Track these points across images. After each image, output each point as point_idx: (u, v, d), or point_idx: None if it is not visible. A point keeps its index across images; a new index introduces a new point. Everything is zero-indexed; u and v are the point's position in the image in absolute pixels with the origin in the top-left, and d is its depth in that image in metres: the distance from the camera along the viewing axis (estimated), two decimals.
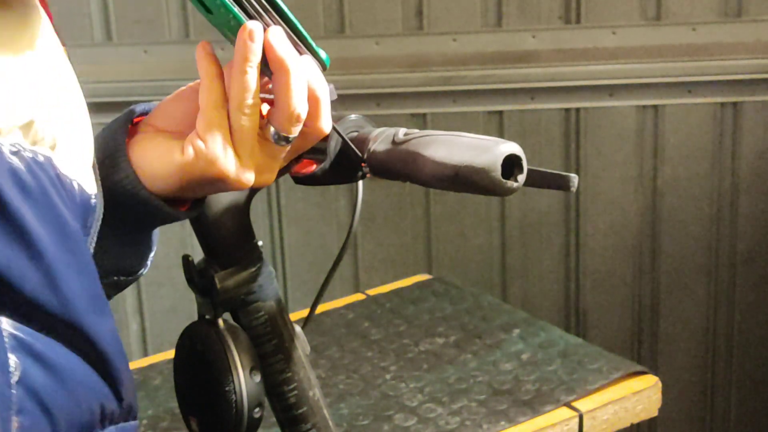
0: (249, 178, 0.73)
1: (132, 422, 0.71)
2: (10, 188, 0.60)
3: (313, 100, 0.73)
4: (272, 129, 0.72)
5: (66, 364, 0.63)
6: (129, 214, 0.75)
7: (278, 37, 0.70)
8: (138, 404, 0.72)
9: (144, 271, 0.83)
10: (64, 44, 0.71)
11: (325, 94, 0.73)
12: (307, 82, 0.72)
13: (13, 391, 0.59)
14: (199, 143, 0.71)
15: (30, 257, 0.60)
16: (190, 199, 0.78)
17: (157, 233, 0.83)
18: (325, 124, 0.75)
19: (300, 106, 0.71)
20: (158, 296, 2.36)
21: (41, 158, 0.63)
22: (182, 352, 0.88)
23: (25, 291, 0.60)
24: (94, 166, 0.72)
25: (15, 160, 0.61)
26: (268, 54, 0.70)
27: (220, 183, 0.73)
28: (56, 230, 0.62)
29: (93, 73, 2.23)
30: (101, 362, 0.65)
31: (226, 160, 0.71)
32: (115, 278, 0.79)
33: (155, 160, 0.73)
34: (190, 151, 0.71)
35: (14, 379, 0.59)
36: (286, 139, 0.72)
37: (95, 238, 0.72)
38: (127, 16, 2.24)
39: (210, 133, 0.71)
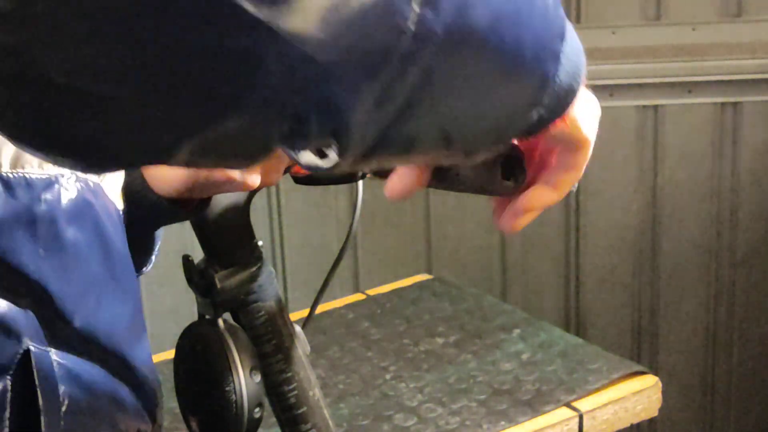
0: (255, 179, 0.73)
1: None
2: (67, 221, 0.60)
3: None
4: None
5: (110, 392, 0.63)
6: (136, 215, 0.75)
7: None
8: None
9: (147, 269, 0.83)
10: None
11: None
12: None
13: (62, 422, 0.59)
14: None
15: (83, 288, 0.61)
16: (196, 199, 0.79)
17: (161, 231, 0.83)
18: None
19: None
20: (158, 296, 2.36)
21: (92, 185, 0.64)
22: (182, 352, 0.88)
23: (75, 323, 0.61)
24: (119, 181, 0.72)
25: (72, 192, 0.61)
26: None
27: (226, 185, 0.73)
28: (106, 259, 0.63)
29: None
30: (140, 387, 0.66)
31: None
32: None
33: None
34: None
35: (63, 408, 0.60)
36: None
37: None
38: None
39: None
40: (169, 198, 0.75)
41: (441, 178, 0.74)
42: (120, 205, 0.70)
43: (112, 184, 0.68)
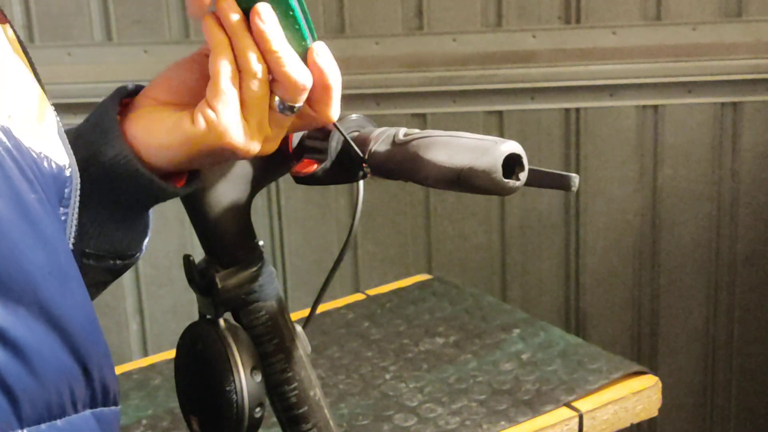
0: (255, 147, 0.73)
1: (113, 408, 0.70)
2: None
3: (323, 88, 0.73)
4: (277, 99, 0.72)
5: (30, 342, 0.61)
6: (123, 191, 0.74)
7: (263, 11, 0.70)
8: (119, 389, 0.71)
9: (139, 255, 0.82)
10: (6, 21, 0.70)
11: (337, 81, 0.73)
12: (321, 67, 0.72)
13: None
14: (211, 113, 0.71)
15: None
16: (185, 173, 0.78)
17: (151, 217, 0.82)
18: (334, 113, 0.75)
19: (298, 75, 0.71)
20: (158, 296, 2.36)
21: None
22: (183, 351, 0.88)
23: None
24: (61, 135, 0.71)
25: None
26: (253, 30, 0.70)
27: (228, 153, 0.72)
28: (12, 201, 0.62)
29: (93, 73, 2.23)
30: (67, 339, 0.64)
31: (238, 131, 0.71)
32: (111, 262, 0.78)
33: (163, 133, 0.73)
34: (201, 122, 0.71)
35: None
36: (291, 109, 0.72)
37: (77, 210, 0.71)
38: (127, 16, 2.24)
39: (222, 102, 0.70)
40: (162, 172, 0.74)
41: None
42: (63, 159, 0.69)
43: (37, 134, 0.67)
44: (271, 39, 0.70)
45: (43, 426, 0.62)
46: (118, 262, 0.79)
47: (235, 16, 0.70)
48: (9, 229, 0.61)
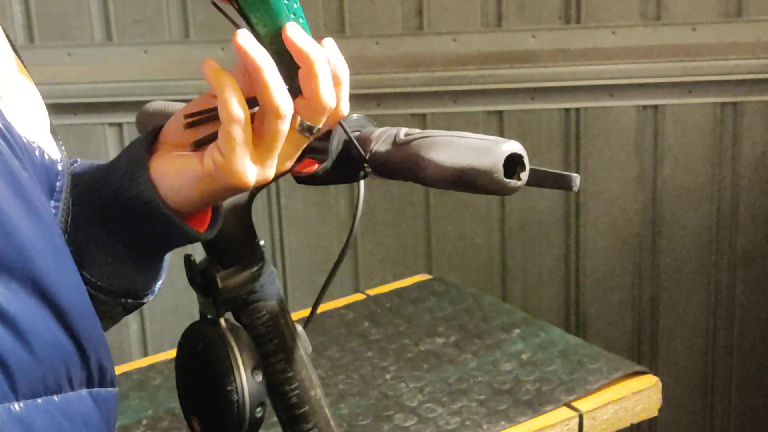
0: (269, 175, 0.72)
1: (110, 389, 0.69)
2: None
3: (336, 84, 0.72)
4: (299, 119, 0.71)
5: (25, 317, 0.61)
6: (144, 230, 0.74)
7: (296, 30, 0.70)
8: (115, 372, 0.71)
9: (151, 296, 0.82)
10: None
11: (347, 77, 0.73)
12: (332, 63, 0.72)
13: None
14: (218, 156, 0.70)
15: None
16: (206, 221, 0.78)
17: (168, 261, 0.82)
18: (345, 107, 0.74)
19: (329, 98, 0.71)
20: (158, 296, 2.35)
21: None
22: (184, 351, 0.88)
23: None
24: (53, 132, 0.71)
25: None
26: (290, 49, 0.70)
27: (238, 191, 0.73)
28: (4, 177, 0.62)
29: (93, 73, 2.23)
30: (62, 317, 0.64)
31: (247, 170, 0.71)
32: (123, 300, 0.78)
33: (174, 174, 0.73)
34: (209, 164, 0.71)
35: None
36: (311, 130, 0.72)
37: (69, 206, 0.71)
38: (127, 16, 2.24)
39: (230, 145, 0.70)
40: (179, 215, 0.74)
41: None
42: (55, 154, 0.69)
43: (28, 125, 0.67)
44: (314, 56, 0.69)
45: (39, 400, 0.62)
46: (129, 300, 0.79)
47: (259, 46, 0.69)
48: (1, 203, 0.61)
